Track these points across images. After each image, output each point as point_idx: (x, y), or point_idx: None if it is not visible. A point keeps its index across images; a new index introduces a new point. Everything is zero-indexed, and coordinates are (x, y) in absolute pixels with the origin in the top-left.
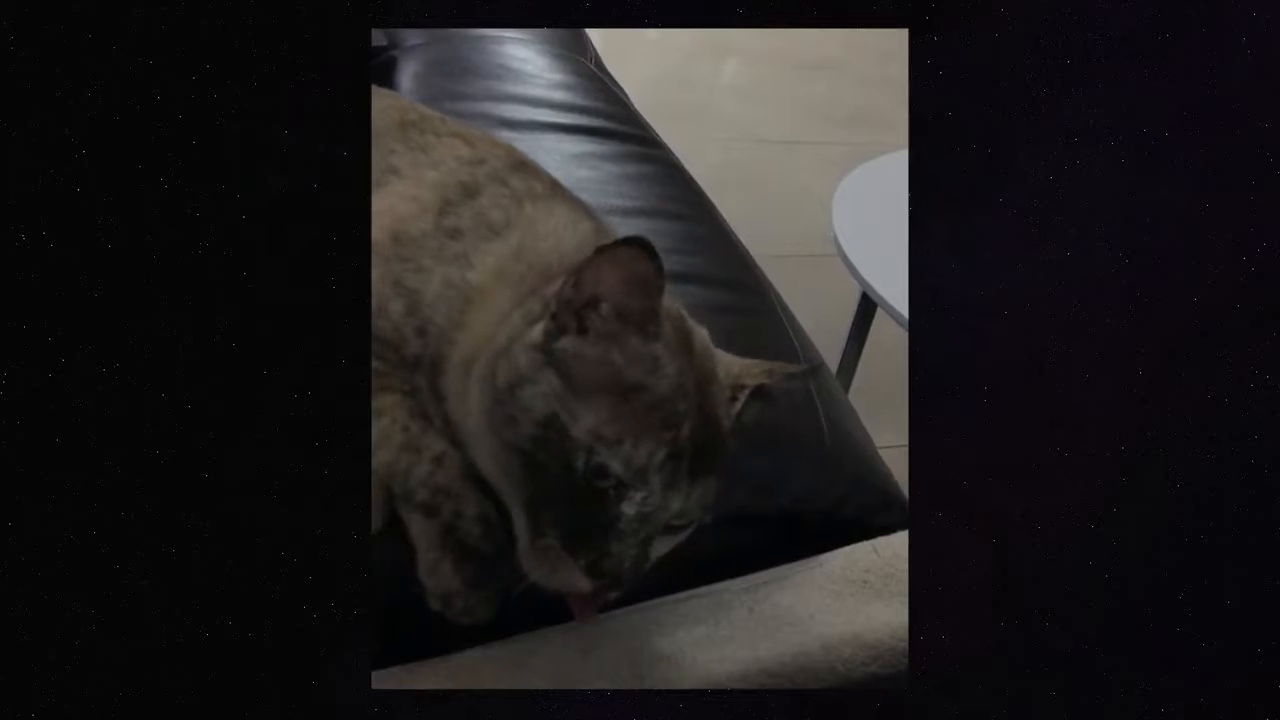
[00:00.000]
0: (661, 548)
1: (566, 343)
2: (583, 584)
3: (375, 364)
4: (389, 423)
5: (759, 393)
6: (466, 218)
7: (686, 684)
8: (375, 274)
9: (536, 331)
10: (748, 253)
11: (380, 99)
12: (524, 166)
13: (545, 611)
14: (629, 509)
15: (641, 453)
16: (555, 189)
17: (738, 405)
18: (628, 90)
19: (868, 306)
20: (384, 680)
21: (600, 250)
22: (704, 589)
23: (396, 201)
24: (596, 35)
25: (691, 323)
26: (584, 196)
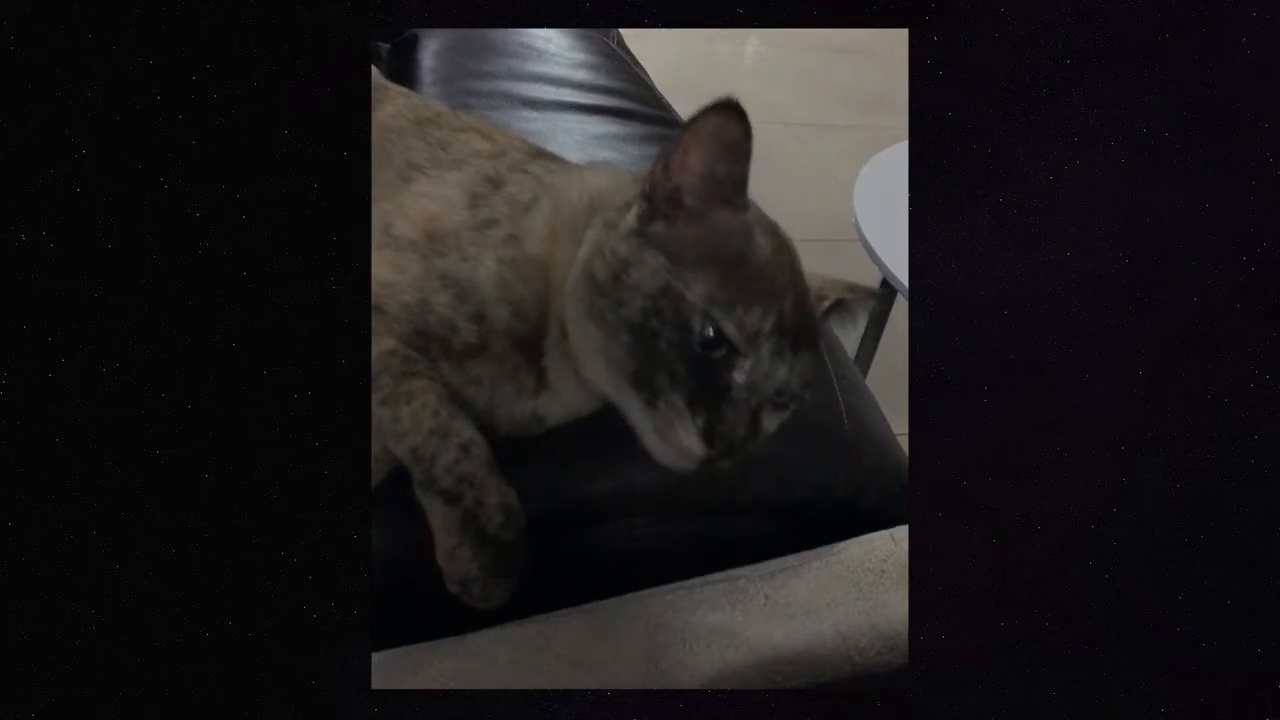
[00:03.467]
0: (770, 423)
1: (659, 227)
2: (697, 446)
3: (405, 351)
4: (419, 407)
5: (840, 306)
6: (499, 206)
7: (701, 670)
8: (414, 270)
9: (630, 217)
10: None
11: (394, 99)
12: (542, 154)
13: (562, 593)
14: (739, 377)
15: (754, 318)
16: (569, 164)
17: (822, 307)
18: (650, 71)
19: (887, 293)
20: (401, 658)
21: (690, 121)
22: (721, 575)
23: (424, 200)
24: None
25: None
26: None
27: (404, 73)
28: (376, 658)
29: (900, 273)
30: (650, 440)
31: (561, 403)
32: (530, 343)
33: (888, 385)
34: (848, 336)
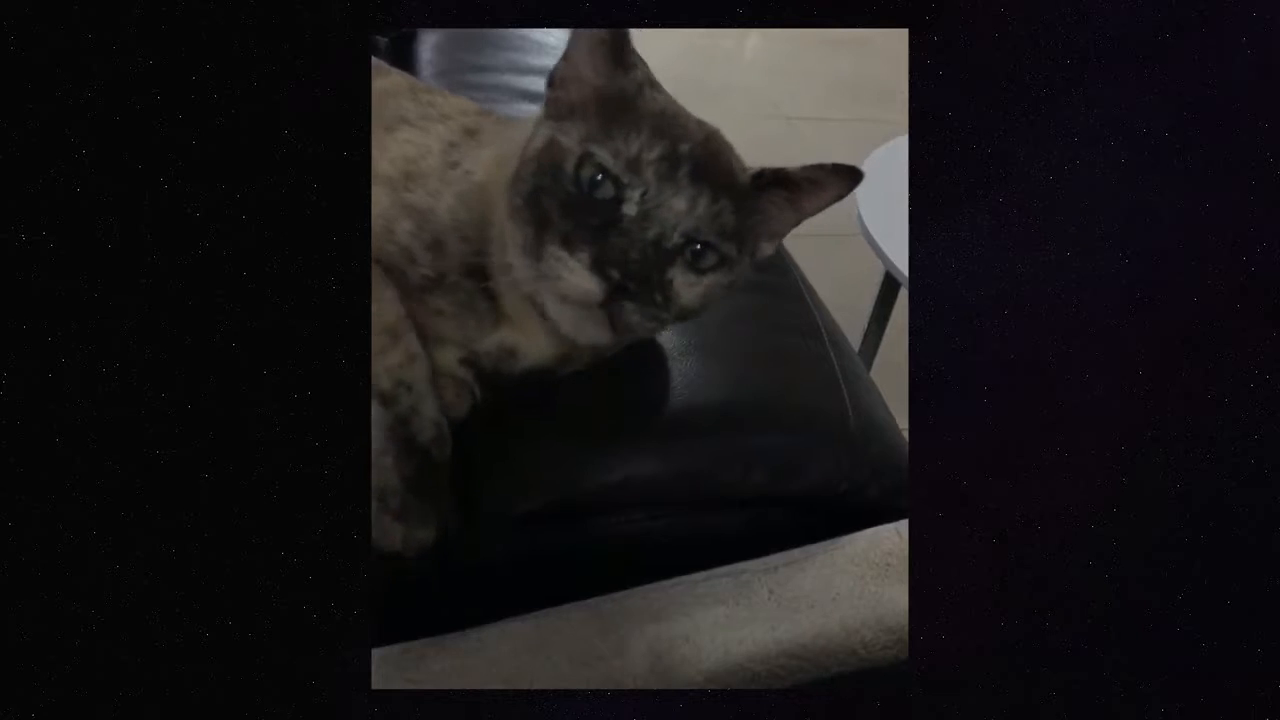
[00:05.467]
0: (688, 287)
1: (561, 106)
2: (589, 283)
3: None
4: (384, 304)
5: (779, 176)
6: (467, 150)
7: (705, 664)
8: (384, 202)
9: (542, 106)
10: None
11: (393, 75)
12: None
13: (563, 588)
14: (629, 209)
15: (633, 146)
16: None
17: (752, 170)
18: (651, 64)
19: (890, 286)
20: (401, 654)
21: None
22: (724, 569)
23: (406, 146)
24: None
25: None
26: None
27: (403, 67)
28: (376, 653)
29: (904, 266)
30: (556, 311)
31: (527, 336)
32: (478, 268)
33: (893, 377)
34: (804, 396)
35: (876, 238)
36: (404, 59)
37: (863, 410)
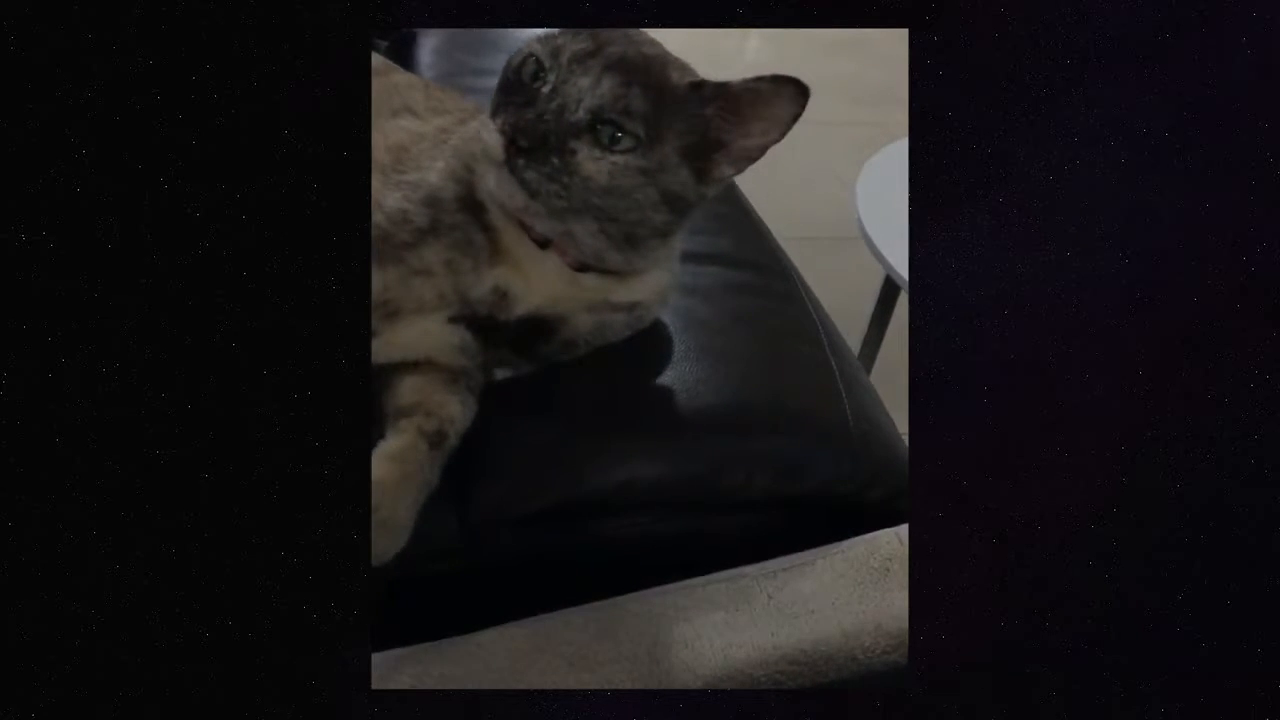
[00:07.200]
0: (593, 159)
1: None
2: (494, 140)
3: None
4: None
5: (721, 89)
6: (457, 135)
7: (704, 669)
8: (374, 185)
9: None
10: (771, 234)
11: (408, 75)
12: None
13: (564, 592)
14: (545, 88)
15: (562, 40)
16: None
17: (692, 79)
18: None
19: (891, 289)
20: (401, 658)
21: None
22: (724, 574)
23: (401, 133)
24: None
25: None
26: None
27: (403, 67)
28: (376, 658)
29: (904, 270)
30: (494, 176)
31: (522, 275)
32: (472, 201)
33: (893, 381)
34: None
35: (876, 241)
36: (404, 60)
37: (863, 414)
